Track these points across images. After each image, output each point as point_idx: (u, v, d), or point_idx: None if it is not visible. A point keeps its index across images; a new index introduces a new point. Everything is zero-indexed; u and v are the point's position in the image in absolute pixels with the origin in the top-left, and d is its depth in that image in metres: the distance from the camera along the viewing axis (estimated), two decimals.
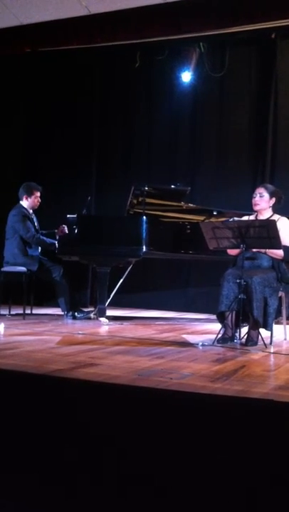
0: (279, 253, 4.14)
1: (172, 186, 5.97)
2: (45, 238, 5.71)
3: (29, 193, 5.72)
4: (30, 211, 5.77)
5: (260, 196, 4.33)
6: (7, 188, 5.82)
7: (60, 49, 6.62)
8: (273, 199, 4.34)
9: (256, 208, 4.36)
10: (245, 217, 4.49)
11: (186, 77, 6.94)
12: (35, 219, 5.82)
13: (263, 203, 4.33)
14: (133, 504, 2.25)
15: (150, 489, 2.23)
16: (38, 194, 5.76)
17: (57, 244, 5.53)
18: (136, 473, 2.27)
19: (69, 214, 5.58)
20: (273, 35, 6.50)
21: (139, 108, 7.40)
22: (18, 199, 5.76)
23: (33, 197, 5.72)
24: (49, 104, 7.47)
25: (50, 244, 5.63)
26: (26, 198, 5.72)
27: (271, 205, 4.35)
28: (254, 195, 4.37)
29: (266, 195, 4.33)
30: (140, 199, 5.63)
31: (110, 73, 7.41)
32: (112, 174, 7.41)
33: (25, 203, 5.73)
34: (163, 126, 7.26)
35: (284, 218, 4.31)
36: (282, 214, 4.38)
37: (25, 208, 5.71)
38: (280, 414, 2.22)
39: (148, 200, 5.64)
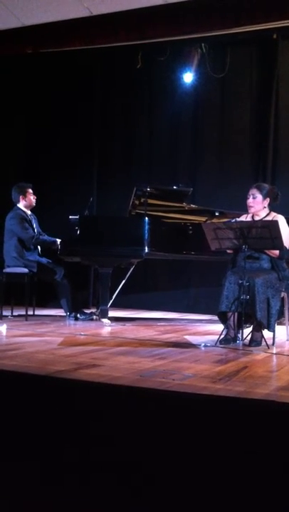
0: (275, 252, 4.14)
1: (174, 187, 5.97)
2: (45, 237, 5.72)
3: (23, 193, 5.73)
4: (29, 212, 5.77)
5: (253, 198, 4.28)
6: (8, 189, 5.83)
7: (62, 50, 6.62)
8: (268, 199, 4.30)
9: (251, 210, 4.32)
10: (243, 217, 4.46)
11: (188, 77, 6.95)
12: (34, 220, 5.82)
13: (256, 205, 4.29)
14: (134, 504, 2.25)
15: (151, 489, 2.22)
16: (31, 191, 5.78)
17: (59, 244, 5.53)
18: (137, 474, 2.27)
19: (71, 215, 5.58)
20: (275, 36, 6.50)
21: (140, 109, 7.40)
22: (14, 203, 5.76)
23: (28, 195, 5.74)
24: (50, 105, 7.48)
25: (52, 243, 5.63)
26: (23, 199, 5.73)
27: (266, 205, 4.32)
28: (248, 196, 4.32)
29: (259, 196, 4.28)
30: (142, 200, 5.64)
31: (112, 74, 7.42)
32: (114, 175, 7.41)
33: (22, 203, 5.73)
34: (164, 126, 7.26)
35: (280, 216, 4.28)
36: (283, 214, 4.37)
37: (22, 210, 5.71)
38: (282, 415, 2.21)
39: (150, 200, 5.64)
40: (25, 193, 5.73)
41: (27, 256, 5.57)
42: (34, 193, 5.80)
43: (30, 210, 5.81)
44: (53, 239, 5.68)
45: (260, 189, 4.31)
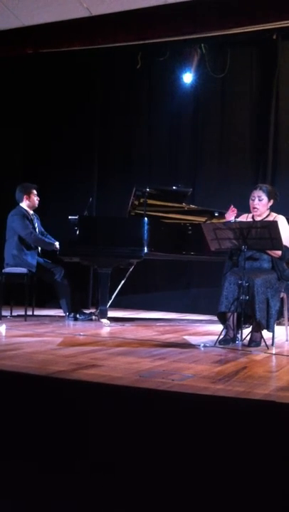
0: (277, 252, 4.13)
1: (174, 187, 5.97)
2: (44, 237, 5.72)
3: (28, 193, 5.75)
4: (31, 212, 5.78)
5: (260, 200, 4.25)
6: (8, 190, 5.83)
7: (62, 50, 6.61)
8: (271, 201, 4.29)
9: (256, 212, 4.29)
10: (243, 217, 4.44)
11: (188, 78, 6.96)
12: (36, 220, 5.83)
13: (262, 206, 4.26)
14: (134, 505, 2.25)
15: (151, 490, 2.22)
16: (36, 192, 5.79)
17: (57, 246, 5.53)
18: (137, 474, 2.27)
19: (70, 215, 5.58)
20: (274, 36, 6.51)
21: (140, 109, 7.41)
22: (17, 202, 5.76)
23: (32, 195, 5.75)
24: (50, 105, 7.48)
25: (49, 244, 5.64)
26: (27, 198, 5.74)
27: (269, 206, 4.32)
28: (252, 198, 4.27)
29: (265, 198, 4.25)
30: (141, 200, 5.64)
31: (112, 74, 7.42)
32: (114, 175, 7.41)
33: (25, 203, 5.74)
34: (164, 127, 7.27)
35: (281, 217, 4.28)
36: (283, 214, 4.36)
37: (24, 209, 5.72)
38: (282, 416, 2.21)
39: (149, 201, 5.64)
40: (30, 193, 5.75)
41: (27, 256, 5.57)
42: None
43: (33, 211, 5.82)
44: (51, 241, 5.68)
45: (264, 191, 4.27)
